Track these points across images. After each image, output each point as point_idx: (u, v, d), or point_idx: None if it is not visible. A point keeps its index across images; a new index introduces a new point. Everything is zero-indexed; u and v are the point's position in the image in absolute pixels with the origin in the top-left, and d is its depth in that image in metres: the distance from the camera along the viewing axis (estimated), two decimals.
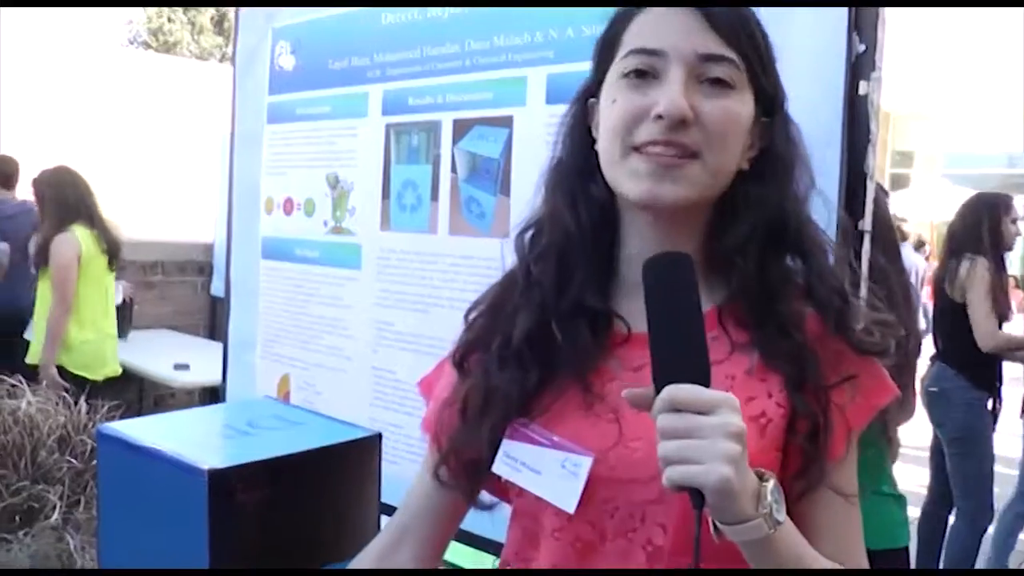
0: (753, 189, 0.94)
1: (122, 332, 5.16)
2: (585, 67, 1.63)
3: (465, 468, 1.00)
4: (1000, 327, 3.65)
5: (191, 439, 1.17)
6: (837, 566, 0.88)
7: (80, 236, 4.06)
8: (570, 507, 0.91)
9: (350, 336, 2.05)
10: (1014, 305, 4.20)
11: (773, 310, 0.91)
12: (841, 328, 0.91)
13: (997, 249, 3.70)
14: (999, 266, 3.69)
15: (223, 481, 1.07)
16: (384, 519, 1.22)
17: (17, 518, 2.71)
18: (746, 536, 0.78)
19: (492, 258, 1.75)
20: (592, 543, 0.93)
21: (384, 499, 1.28)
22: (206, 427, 1.27)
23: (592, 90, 1.00)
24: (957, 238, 3.77)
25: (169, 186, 6.96)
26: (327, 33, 2.12)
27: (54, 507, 2.69)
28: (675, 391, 0.77)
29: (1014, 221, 3.77)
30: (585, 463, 0.91)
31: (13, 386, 3.11)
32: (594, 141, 0.98)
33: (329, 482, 1.25)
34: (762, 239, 0.93)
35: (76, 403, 2.96)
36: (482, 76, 1.80)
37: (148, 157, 6.95)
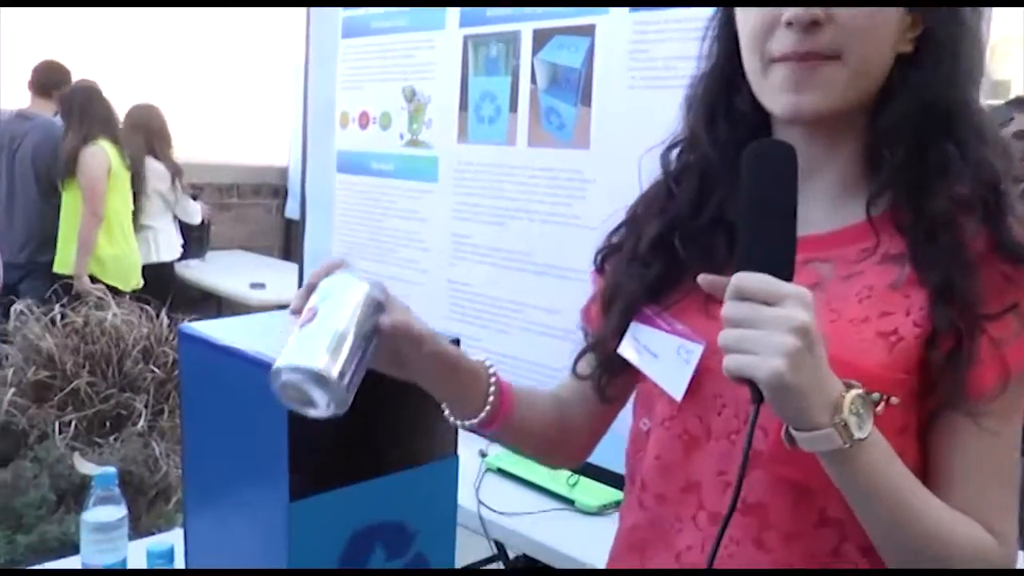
0: (914, 73, 0.85)
1: (199, 253, 5.27)
2: None
3: (599, 360, 1.02)
4: None
5: (271, 339, 1.17)
6: (938, 508, 0.81)
7: (107, 149, 4.09)
8: (678, 394, 0.91)
9: (426, 249, 2.04)
10: None
11: (926, 208, 0.84)
12: (994, 227, 0.82)
13: None
14: None
15: None
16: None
17: (107, 424, 2.83)
18: (817, 447, 0.74)
19: (572, 170, 1.74)
20: (697, 439, 0.91)
21: None
22: (285, 328, 1.27)
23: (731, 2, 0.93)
24: None
25: (244, 109, 7.00)
26: None
27: (140, 415, 2.80)
28: (743, 278, 0.73)
29: None
30: (697, 351, 0.90)
31: (100, 298, 3.21)
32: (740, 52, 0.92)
33: (408, 386, 1.25)
34: (918, 125, 0.85)
35: (158, 316, 3.05)
36: None
37: (222, 80, 6.99)
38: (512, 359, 1.85)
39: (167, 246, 4.71)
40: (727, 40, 0.94)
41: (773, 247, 0.75)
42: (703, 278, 0.80)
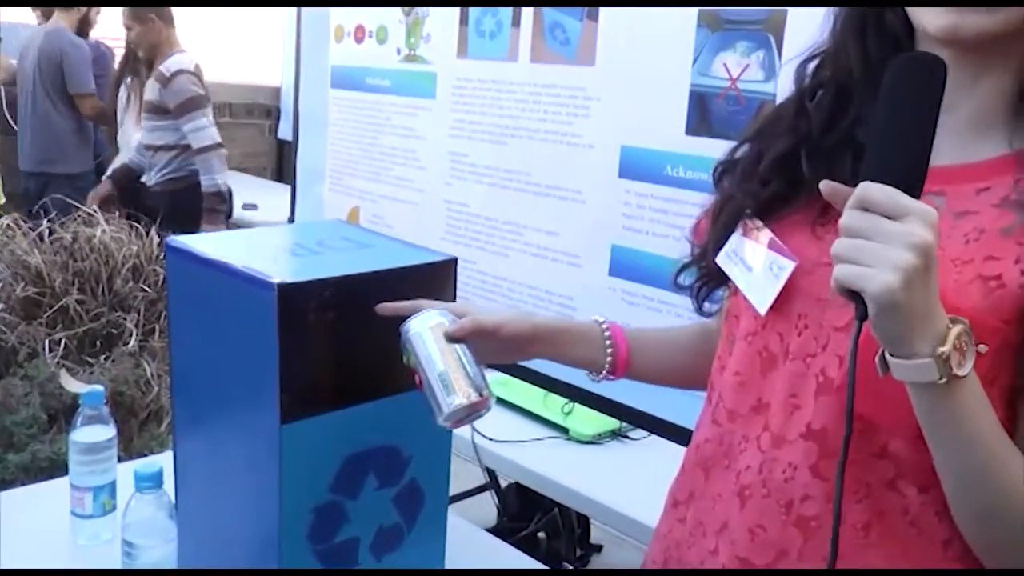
0: None
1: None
2: None
3: (700, 272, 1.02)
4: None
5: (260, 255, 1.12)
6: (1017, 459, 0.77)
7: None
8: (763, 308, 0.89)
9: (422, 168, 1.99)
10: None
11: None
12: None
13: None
14: None
15: (294, 296, 1.02)
16: None
17: (98, 343, 2.79)
18: (913, 377, 0.71)
19: (575, 86, 1.68)
20: (775, 357, 0.90)
21: None
22: (275, 244, 1.22)
23: None
24: None
25: (236, 28, 6.85)
26: None
27: (131, 334, 2.77)
28: (867, 188, 0.70)
29: None
30: (788, 267, 0.88)
31: (89, 215, 3.16)
32: None
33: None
34: None
35: (148, 233, 3.00)
36: None
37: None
38: (510, 282, 1.81)
39: None
40: None
41: (905, 161, 0.71)
42: (826, 184, 0.76)
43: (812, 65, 0.95)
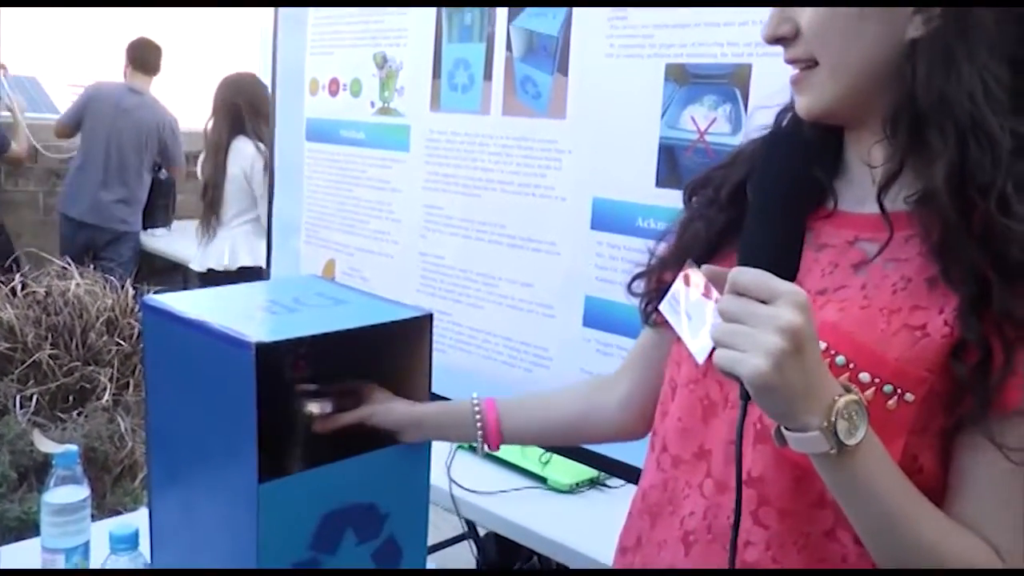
0: (931, 58, 0.80)
1: (164, 222, 5.17)
2: None
3: (648, 285, 1.05)
4: None
5: (237, 313, 1.13)
6: (934, 520, 0.78)
7: None
8: (700, 358, 0.88)
9: (397, 220, 2.00)
10: None
11: (969, 202, 0.78)
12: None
13: None
14: None
15: (271, 356, 1.03)
16: None
17: (71, 398, 2.77)
18: (805, 448, 0.73)
19: (547, 140, 1.70)
20: (715, 405, 0.92)
21: (432, 390, 1.24)
22: (251, 302, 1.23)
23: None
24: None
25: (212, 76, 6.87)
26: None
27: (104, 389, 2.74)
28: (739, 273, 0.72)
29: None
30: None
31: (63, 268, 3.14)
32: None
33: (379, 363, 1.22)
34: (953, 116, 0.79)
35: (123, 286, 2.99)
36: None
37: (190, 45, 6.85)
38: (485, 333, 1.82)
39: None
40: None
41: (776, 243, 0.74)
42: (708, 268, 0.79)
43: (777, 112, 0.98)
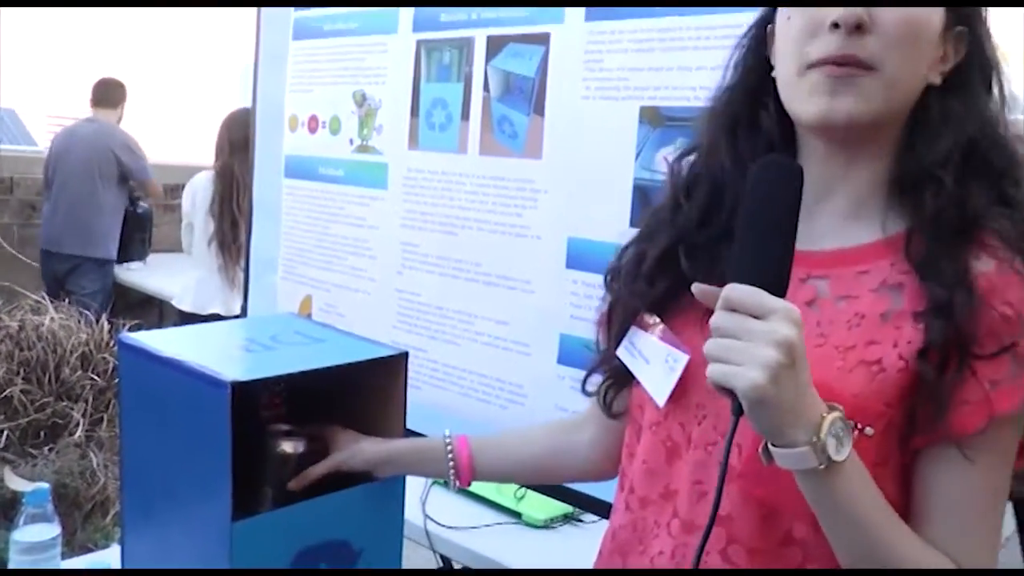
0: (950, 103, 0.86)
1: (141, 255, 5.15)
2: None
3: (605, 375, 1.06)
4: None
5: (214, 351, 1.13)
6: (910, 540, 0.80)
7: None
8: (661, 399, 0.93)
9: (374, 257, 2.01)
10: None
11: (953, 240, 0.83)
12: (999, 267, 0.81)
13: None
14: None
15: (246, 394, 1.04)
16: None
17: (42, 434, 2.74)
18: (793, 464, 0.74)
19: (523, 179, 1.73)
20: (678, 446, 0.93)
21: (408, 425, 1.25)
22: (228, 340, 1.24)
23: (769, 16, 0.94)
24: None
25: (191, 110, 6.90)
26: None
27: (77, 424, 2.71)
28: (733, 289, 0.74)
29: None
30: (683, 360, 0.92)
31: (37, 302, 3.12)
32: (770, 68, 0.92)
33: (353, 403, 1.23)
34: (961, 158, 0.85)
35: (98, 321, 2.97)
36: None
37: (171, 80, 6.88)
38: (460, 370, 1.82)
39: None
40: (757, 60, 0.95)
41: (768, 261, 0.75)
42: (697, 287, 0.80)
43: (686, 161, 1.00)
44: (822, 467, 0.73)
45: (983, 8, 0.89)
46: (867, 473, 0.78)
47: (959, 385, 0.79)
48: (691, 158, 1.00)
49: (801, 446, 0.73)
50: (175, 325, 3.60)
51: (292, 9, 2.22)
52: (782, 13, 0.89)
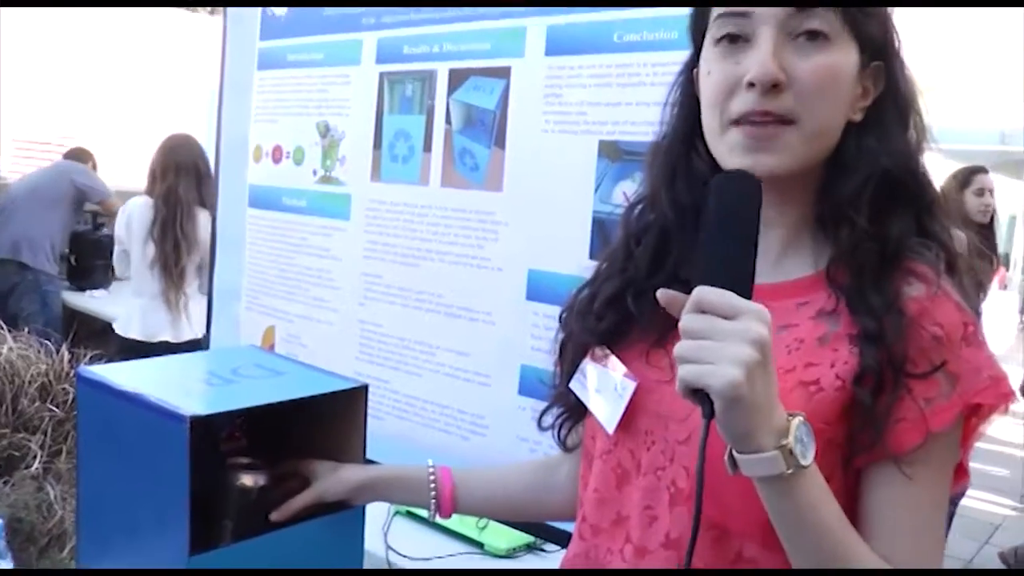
0: (866, 140, 0.89)
1: (103, 283, 5.10)
2: (585, 18, 1.61)
3: (559, 410, 1.08)
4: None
5: (173, 385, 1.13)
6: (864, 551, 0.82)
7: None
8: (610, 427, 0.95)
9: (337, 288, 2.02)
10: (996, 282, 4.17)
11: (876, 270, 0.87)
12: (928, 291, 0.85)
13: (967, 221, 3.64)
14: (980, 239, 3.63)
15: (206, 428, 1.04)
16: None
17: None
18: (762, 471, 0.75)
19: (484, 211, 1.75)
20: (628, 473, 0.95)
21: (369, 456, 1.25)
22: (189, 374, 1.24)
23: (694, 59, 0.97)
24: None
25: (159, 135, 6.85)
26: None
27: (35, 456, 2.66)
28: (703, 292, 0.75)
29: (980, 193, 3.72)
30: (631, 387, 0.94)
31: None
32: (700, 110, 0.95)
33: (313, 435, 1.23)
34: (876, 192, 0.89)
35: (58, 351, 2.93)
36: (480, 26, 1.76)
37: (138, 106, 6.83)
38: (422, 401, 1.83)
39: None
40: (688, 102, 0.98)
41: (735, 265, 0.76)
42: (663, 293, 0.81)
43: (637, 210, 1.03)
44: (790, 471, 0.74)
45: (896, 42, 0.92)
46: (823, 480, 0.79)
47: (895, 404, 0.82)
48: (639, 207, 1.03)
49: (769, 450, 0.73)
50: (119, 353, 3.56)
51: (257, 39, 2.23)
52: (703, 67, 0.92)
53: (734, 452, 0.76)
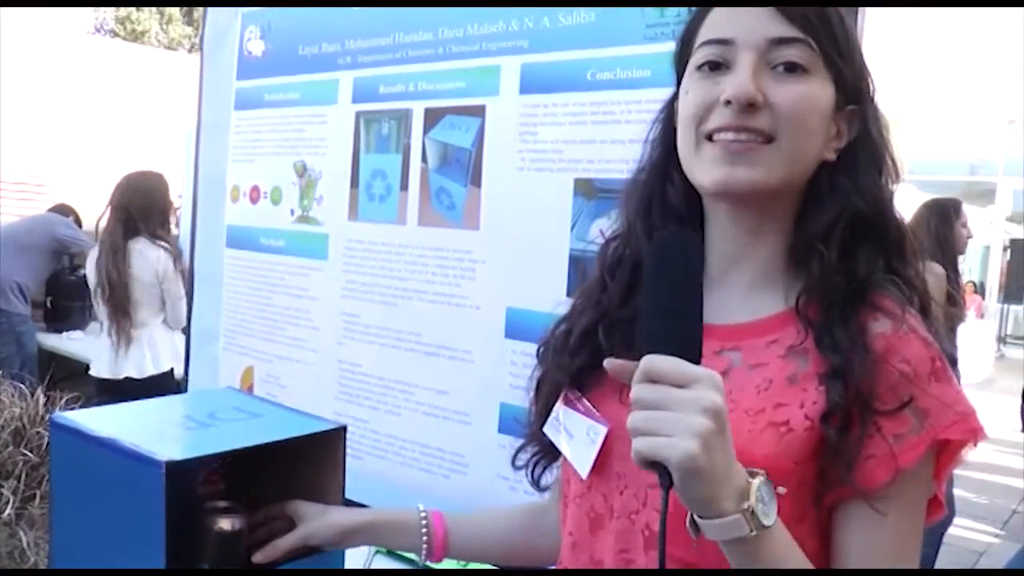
0: (839, 179, 0.91)
1: (81, 324, 5.07)
2: (560, 56, 1.63)
3: (532, 450, 1.08)
4: (952, 331, 3.64)
5: (149, 430, 1.13)
6: None
7: None
8: (583, 472, 0.95)
9: (315, 328, 2.01)
10: (972, 310, 4.24)
11: (844, 306, 0.87)
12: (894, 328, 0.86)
13: (949, 253, 3.70)
14: (952, 270, 3.68)
15: (182, 474, 1.03)
16: None
17: None
18: (725, 535, 0.74)
19: (462, 250, 1.75)
20: (602, 517, 0.95)
21: (349, 495, 1.25)
22: (165, 418, 1.23)
23: (676, 95, 0.98)
24: None
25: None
26: (298, 18, 2.08)
27: (8, 502, 2.63)
28: (652, 361, 0.74)
29: (964, 225, 3.78)
30: (602, 432, 0.94)
31: None
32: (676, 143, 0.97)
33: (292, 476, 1.22)
34: (847, 229, 0.90)
35: (33, 394, 2.90)
36: (455, 65, 1.77)
37: (114, 147, 6.83)
38: (402, 440, 1.82)
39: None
40: (667, 137, 0.99)
41: (681, 330, 0.76)
42: (609, 362, 0.81)
43: (612, 246, 1.04)
44: (753, 534, 0.73)
45: (871, 88, 0.95)
46: (788, 533, 0.79)
47: (864, 441, 0.83)
48: (615, 243, 1.04)
49: (731, 515, 0.73)
50: (99, 394, 3.58)
51: (234, 79, 2.24)
52: (683, 89, 0.94)
53: (696, 517, 0.75)
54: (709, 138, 0.89)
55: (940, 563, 3.89)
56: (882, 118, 0.95)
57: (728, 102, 0.87)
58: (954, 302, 3.65)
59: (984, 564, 4.67)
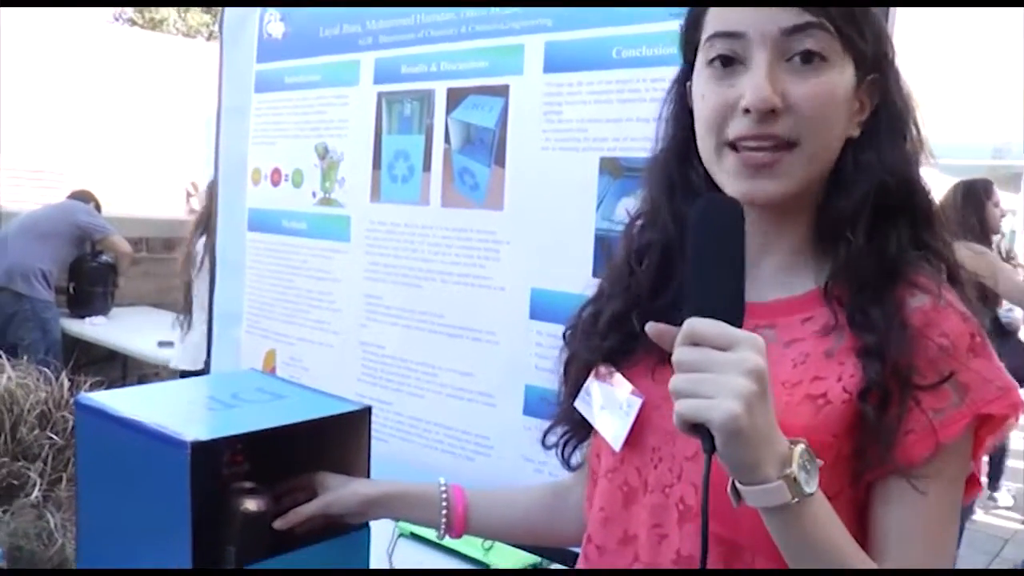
0: (864, 155, 0.88)
1: (103, 309, 5.10)
2: (584, 35, 1.60)
3: (563, 429, 1.07)
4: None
5: (173, 411, 1.12)
6: (873, 571, 0.81)
7: None
8: (617, 444, 0.94)
9: (338, 310, 2.01)
10: None
11: (877, 285, 0.86)
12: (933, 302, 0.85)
13: (984, 234, 3.67)
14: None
15: (206, 454, 1.02)
16: None
17: None
18: (766, 502, 0.73)
19: (485, 230, 1.74)
20: (635, 491, 0.94)
21: (373, 477, 1.24)
22: (189, 399, 1.22)
23: (686, 73, 0.95)
24: None
25: (155, 163, 6.87)
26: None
27: (35, 484, 2.64)
28: (695, 323, 0.73)
29: (996, 204, 3.75)
30: (636, 404, 0.93)
31: None
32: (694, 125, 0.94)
33: (316, 457, 1.21)
34: (874, 206, 0.88)
35: (58, 379, 2.91)
36: (478, 44, 1.75)
37: (133, 134, 6.85)
38: (425, 423, 1.81)
39: None
40: (682, 115, 0.97)
41: (724, 294, 0.75)
42: (652, 326, 0.80)
43: (637, 225, 1.02)
44: (795, 501, 0.72)
45: (891, 53, 0.91)
46: (828, 504, 0.78)
47: (904, 417, 0.81)
48: (640, 222, 1.02)
49: (774, 481, 0.72)
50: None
51: (254, 62, 2.23)
52: (696, 88, 0.91)
53: (737, 484, 0.74)
54: (730, 146, 0.87)
55: (964, 548, 3.86)
56: (903, 83, 0.92)
57: (747, 111, 0.84)
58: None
59: (1009, 550, 4.63)
